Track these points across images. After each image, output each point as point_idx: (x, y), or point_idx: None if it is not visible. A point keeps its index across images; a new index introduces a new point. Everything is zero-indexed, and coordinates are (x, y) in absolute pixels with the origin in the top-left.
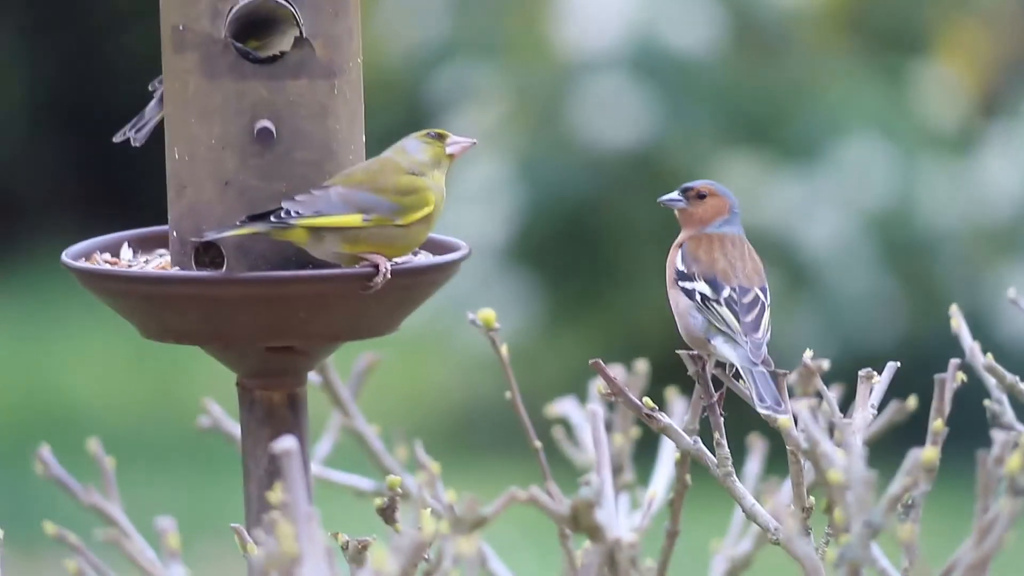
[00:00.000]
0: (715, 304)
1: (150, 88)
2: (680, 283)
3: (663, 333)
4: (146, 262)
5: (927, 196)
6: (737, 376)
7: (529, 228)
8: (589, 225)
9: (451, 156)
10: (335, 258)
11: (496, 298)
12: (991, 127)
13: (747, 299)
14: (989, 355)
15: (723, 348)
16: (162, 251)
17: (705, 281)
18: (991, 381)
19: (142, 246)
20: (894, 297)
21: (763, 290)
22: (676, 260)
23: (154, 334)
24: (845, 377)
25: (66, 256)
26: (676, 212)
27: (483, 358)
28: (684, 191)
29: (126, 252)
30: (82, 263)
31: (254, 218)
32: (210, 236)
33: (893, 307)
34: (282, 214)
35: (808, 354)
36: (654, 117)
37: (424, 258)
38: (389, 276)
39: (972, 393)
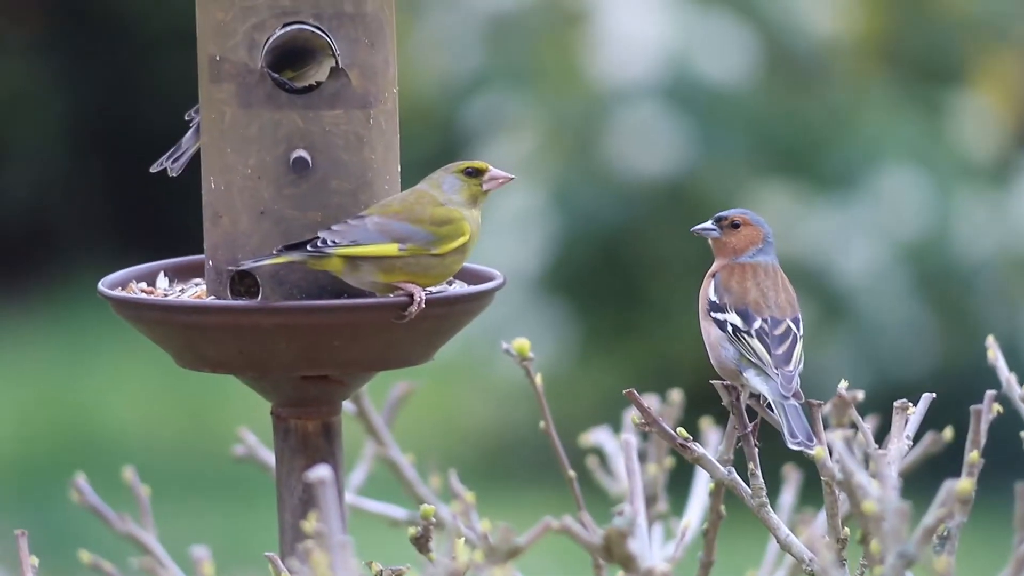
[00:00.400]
0: (746, 336)
1: (186, 118)
2: (712, 314)
3: (697, 363)
4: (182, 291)
5: (963, 226)
6: (771, 407)
7: (563, 257)
8: (623, 254)
9: (487, 192)
10: (370, 287)
11: (530, 327)
12: None
13: (779, 331)
14: None
15: (754, 380)
16: (198, 280)
17: (736, 312)
18: None
19: (178, 275)
20: (929, 327)
21: (796, 321)
22: (709, 290)
23: (189, 363)
24: (880, 408)
25: (102, 285)
26: (710, 241)
27: (517, 387)
28: (718, 220)
29: (162, 281)
30: (118, 292)
31: (290, 247)
32: (246, 265)
33: (928, 337)
34: (319, 243)
35: (843, 384)
36: (688, 146)
37: (459, 287)
38: (424, 305)
39: (1008, 424)
